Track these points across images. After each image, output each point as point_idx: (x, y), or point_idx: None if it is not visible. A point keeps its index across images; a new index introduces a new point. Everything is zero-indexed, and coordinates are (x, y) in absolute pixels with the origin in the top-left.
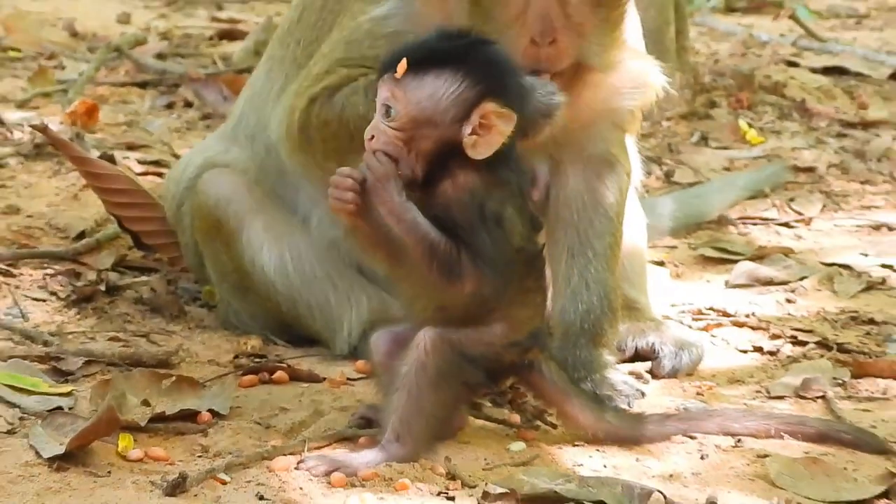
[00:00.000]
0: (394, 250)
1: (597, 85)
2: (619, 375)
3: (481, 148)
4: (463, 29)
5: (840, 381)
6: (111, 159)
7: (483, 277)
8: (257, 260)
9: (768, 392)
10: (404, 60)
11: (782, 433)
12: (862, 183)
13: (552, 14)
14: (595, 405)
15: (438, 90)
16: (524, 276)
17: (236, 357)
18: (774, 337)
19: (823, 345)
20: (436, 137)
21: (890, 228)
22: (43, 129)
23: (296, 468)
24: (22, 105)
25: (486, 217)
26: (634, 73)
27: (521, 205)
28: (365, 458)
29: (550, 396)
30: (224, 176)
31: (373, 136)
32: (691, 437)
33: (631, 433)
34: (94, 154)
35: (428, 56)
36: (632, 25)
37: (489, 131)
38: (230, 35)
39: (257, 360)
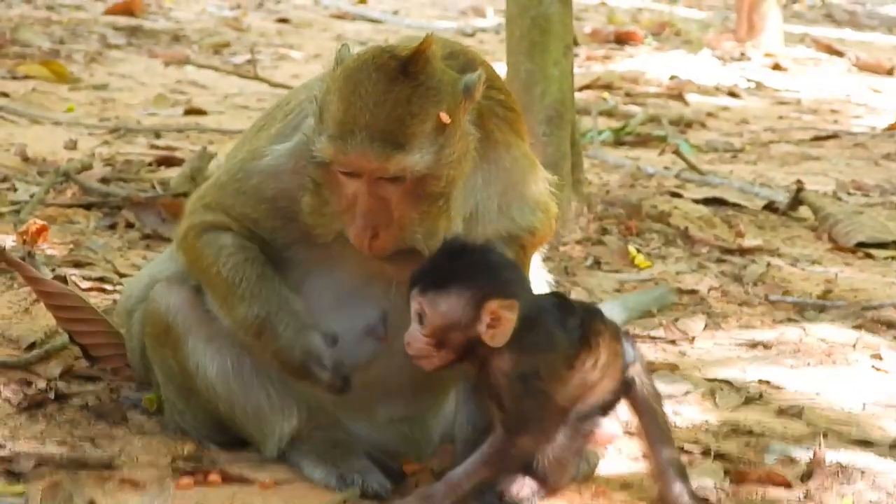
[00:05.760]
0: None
1: None
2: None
3: (498, 338)
4: (464, 244)
5: (722, 488)
6: (63, 279)
7: (531, 431)
8: (201, 365)
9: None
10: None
11: None
12: (740, 305)
13: (374, 213)
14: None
15: (452, 303)
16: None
17: (174, 460)
18: None
19: (707, 454)
20: (461, 337)
21: (766, 346)
22: (0, 252)
23: None
24: None
25: (528, 383)
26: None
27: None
28: None
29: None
30: (174, 287)
31: (409, 342)
32: None
33: None
34: (45, 271)
35: (441, 275)
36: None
37: (500, 322)
38: (168, 162)
39: (193, 463)
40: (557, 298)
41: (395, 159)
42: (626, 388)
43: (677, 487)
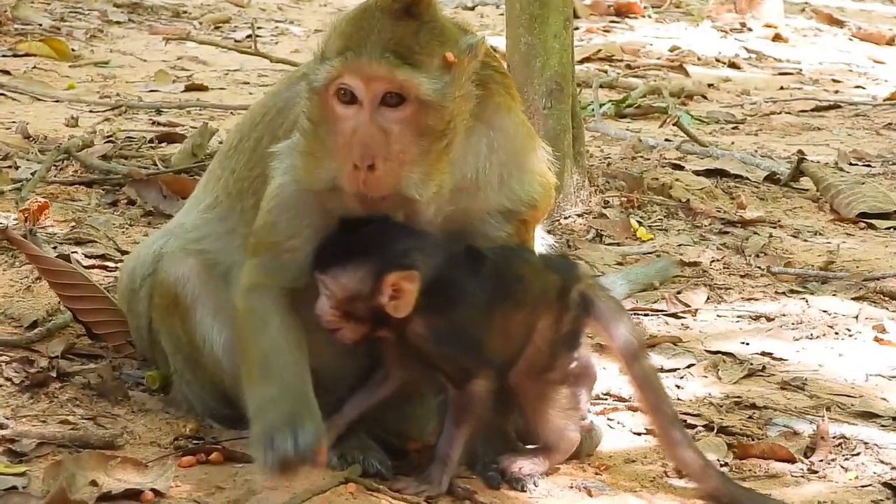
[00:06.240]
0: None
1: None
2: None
3: (402, 308)
4: (363, 218)
5: (725, 462)
6: (65, 257)
7: (477, 374)
8: (208, 337)
9: (663, 471)
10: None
11: None
12: (742, 277)
13: (374, 141)
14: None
15: (350, 278)
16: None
17: (176, 439)
18: None
19: (710, 428)
20: (365, 309)
21: (768, 319)
22: (3, 230)
23: None
24: None
25: (449, 338)
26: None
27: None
28: None
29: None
30: (183, 258)
31: (319, 315)
32: None
33: None
34: (47, 249)
35: (339, 250)
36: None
37: (402, 293)
38: (169, 138)
39: (195, 441)
40: (469, 252)
41: (403, 71)
42: (584, 307)
43: (654, 398)
